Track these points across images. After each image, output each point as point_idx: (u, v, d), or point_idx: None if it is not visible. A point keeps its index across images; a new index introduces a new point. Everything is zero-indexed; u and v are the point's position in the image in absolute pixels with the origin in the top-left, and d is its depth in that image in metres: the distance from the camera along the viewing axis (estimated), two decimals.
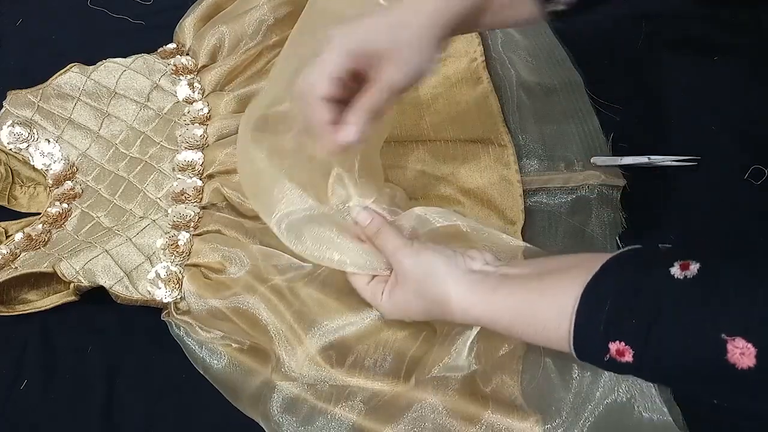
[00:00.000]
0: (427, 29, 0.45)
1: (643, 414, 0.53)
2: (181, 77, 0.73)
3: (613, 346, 0.39)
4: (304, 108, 0.47)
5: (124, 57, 0.74)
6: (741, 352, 0.34)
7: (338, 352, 0.56)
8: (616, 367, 0.39)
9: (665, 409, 0.53)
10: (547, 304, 0.42)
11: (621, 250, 0.43)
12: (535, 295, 0.43)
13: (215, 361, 0.59)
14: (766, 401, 0.35)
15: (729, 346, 0.34)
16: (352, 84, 0.47)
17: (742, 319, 0.34)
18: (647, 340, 0.37)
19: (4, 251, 0.63)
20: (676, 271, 0.38)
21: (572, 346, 0.41)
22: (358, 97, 0.46)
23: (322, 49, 0.46)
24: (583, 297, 0.41)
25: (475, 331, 0.50)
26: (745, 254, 0.38)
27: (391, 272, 0.51)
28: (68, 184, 0.68)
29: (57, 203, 0.67)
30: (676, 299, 0.37)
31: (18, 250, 0.64)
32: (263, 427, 0.56)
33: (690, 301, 0.36)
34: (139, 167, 0.69)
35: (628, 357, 0.38)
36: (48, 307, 0.62)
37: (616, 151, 0.68)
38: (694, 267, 0.37)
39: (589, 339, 0.40)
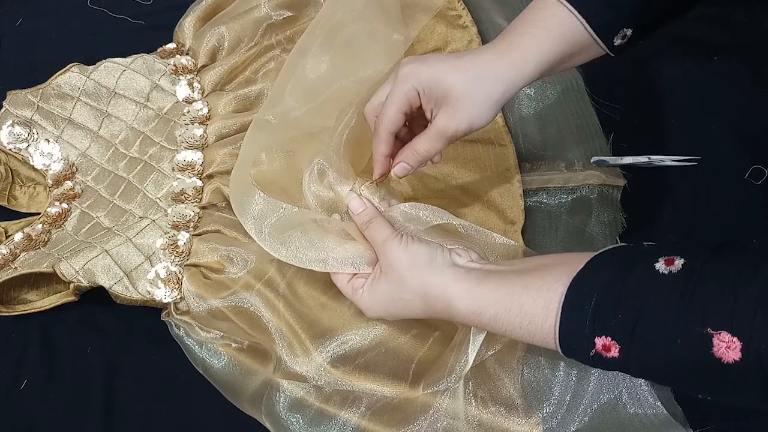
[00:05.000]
0: (498, 93, 0.48)
1: (638, 410, 0.53)
2: (180, 77, 0.73)
3: (599, 342, 0.39)
4: (374, 138, 0.52)
5: (124, 57, 0.74)
6: (727, 346, 0.34)
7: (345, 358, 0.56)
8: (602, 362, 0.40)
9: (659, 404, 0.53)
10: (533, 298, 0.42)
11: (606, 248, 0.43)
12: (519, 289, 0.43)
13: (215, 361, 0.59)
14: (751, 395, 0.36)
15: (715, 340, 0.35)
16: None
17: (727, 313, 0.35)
18: (633, 335, 0.38)
19: (4, 251, 0.63)
20: (660, 266, 0.38)
21: (558, 342, 0.41)
22: (416, 139, 0.51)
23: (391, 78, 0.50)
24: (568, 292, 0.41)
25: (480, 337, 0.50)
26: (730, 250, 0.38)
27: (372, 269, 0.51)
28: (68, 184, 0.68)
29: (57, 203, 0.67)
30: (661, 294, 0.37)
31: (18, 250, 0.64)
32: (269, 426, 0.56)
33: (675, 296, 0.37)
34: (138, 167, 0.69)
35: (614, 352, 0.38)
36: (48, 307, 0.62)
37: (616, 151, 0.68)
38: (678, 262, 0.38)
39: (575, 334, 0.40)
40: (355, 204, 0.53)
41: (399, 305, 0.49)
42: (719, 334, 0.34)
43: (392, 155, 0.53)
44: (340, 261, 0.52)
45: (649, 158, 0.65)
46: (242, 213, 0.57)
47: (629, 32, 0.49)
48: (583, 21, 0.48)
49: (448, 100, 0.48)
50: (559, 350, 0.42)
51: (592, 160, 0.66)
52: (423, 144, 0.51)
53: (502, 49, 0.49)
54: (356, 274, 0.52)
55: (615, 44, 0.50)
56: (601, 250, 0.43)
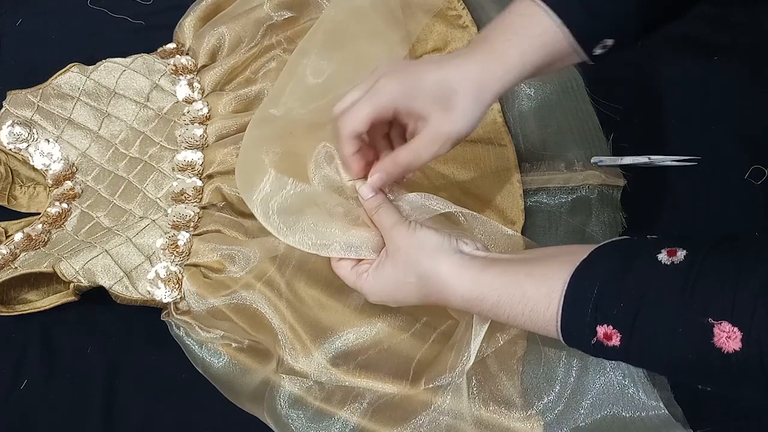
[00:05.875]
0: (475, 99, 0.47)
1: (639, 411, 0.53)
2: (180, 77, 0.73)
3: (601, 330, 0.39)
4: (338, 140, 0.51)
5: (124, 57, 0.74)
6: (727, 336, 0.34)
7: (346, 357, 0.56)
8: (603, 351, 0.40)
9: (660, 404, 0.53)
10: (536, 285, 0.42)
11: (609, 239, 0.43)
12: (523, 276, 0.44)
13: (215, 361, 0.59)
14: (751, 387, 0.36)
15: (715, 330, 0.35)
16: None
17: (728, 304, 0.35)
18: (635, 324, 0.38)
19: (4, 251, 0.63)
20: (663, 257, 0.38)
21: (560, 329, 0.41)
22: (396, 152, 0.50)
23: (367, 82, 0.49)
24: (571, 280, 0.41)
25: (482, 332, 0.50)
26: (731, 243, 0.38)
27: (377, 256, 0.51)
28: (68, 184, 0.68)
29: (57, 203, 0.67)
30: (663, 284, 0.38)
31: (18, 250, 0.64)
32: (270, 423, 0.56)
33: (677, 286, 0.37)
34: (138, 167, 0.69)
35: (616, 341, 0.39)
36: (48, 307, 0.62)
37: (616, 151, 0.68)
38: (680, 253, 0.38)
39: (577, 322, 0.40)
40: (365, 190, 0.52)
41: (404, 289, 0.49)
42: (720, 323, 0.35)
43: (362, 155, 0.51)
44: (346, 246, 0.52)
45: (649, 158, 0.65)
46: (249, 196, 0.56)
47: (610, 42, 0.49)
48: (568, 32, 0.47)
49: (430, 117, 0.48)
50: (561, 338, 0.42)
51: (592, 160, 0.66)
52: (403, 157, 0.50)
53: (485, 57, 0.48)
54: (361, 260, 0.52)
55: (594, 54, 0.49)
56: (604, 242, 0.43)
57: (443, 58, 0.49)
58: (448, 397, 0.54)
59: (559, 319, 0.41)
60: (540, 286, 0.42)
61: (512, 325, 0.46)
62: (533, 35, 0.48)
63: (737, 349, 0.34)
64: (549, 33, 0.48)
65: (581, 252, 0.42)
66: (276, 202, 0.54)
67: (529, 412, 0.53)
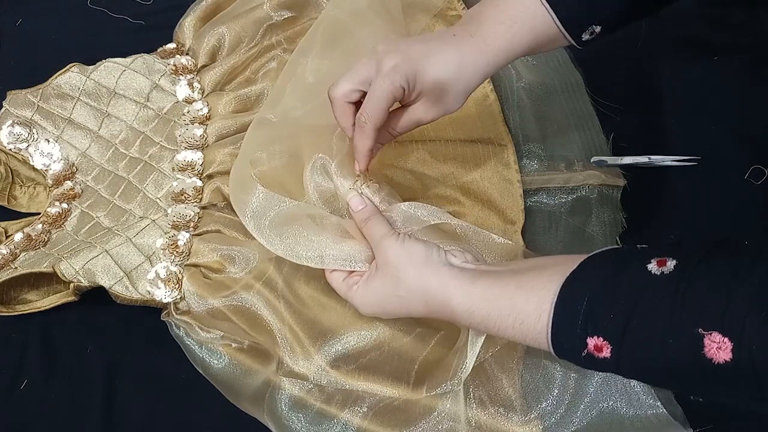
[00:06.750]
0: (473, 86, 0.51)
1: (638, 411, 0.53)
2: (180, 77, 0.73)
3: (591, 342, 0.39)
4: (358, 133, 0.52)
5: (124, 57, 0.74)
6: (718, 347, 0.34)
7: (346, 359, 0.56)
8: (593, 363, 0.40)
9: (658, 404, 0.53)
10: (525, 297, 0.42)
11: (599, 250, 0.43)
12: (513, 288, 0.43)
13: (215, 361, 0.59)
14: (743, 396, 0.36)
15: (706, 341, 0.35)
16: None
17: (718, 314, 0.35)
18: (625, 335, 0.38)
19: (4, 251, 0.63)
20: (653, 267, 0.38)
21: (550, 342, 0.41)
22: (390, 118, 0.52)
23: (363, 58, 0.51)
24: (561, 292, 0.41)
25: (480, 339, 0.50)
26: (724, 250, 0.38)
27: (369, 267, 0.51)
28: (68, 184, 0.68)
29: (57, 203, 0.67)
30: (653, 294, 0.37)
31: (18, 250, 0.64)
32: (270, 425, 0.56)
33: (667, 296, 0.37)
34: (138, 167, 0.69)
35: (606, 352, 0.38)
36: (48, 307, 0.62)
37: (616, 151, 0.68)
38: (670, 263, 0.38)
39: (567, 334, 0.40)
40: (356, 202, 0.53)
41: (394, 302, 0.49)
42: (710, 334, 0.34)
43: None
44: (337, 258, 0.52)
45: (649, 158, 0.65)
46: (241, 209, 0.57)
47: (598, 29, 0.50)
48: (555, 17, 0.49)
49: (431, 92, 0.50)
50: (552, 350, 0.42)
51: (592, 160, 0.66)
52: (399, 127, 0.53)
53: (479, 41, 0.50)
54: (352, 272, 0.52)
55: (583, 39, 0.51)
56: (594, 252, 0.43)
57: (440, 38, 0.51)
58: (448, 403, 0.54)
59: (549, 331, 0.41)
60: (530, 298, 0.42)
61: (503, 338, 0.46)
62: (523, 19, 0.50)
63: (728, 359, 0.34)
64: (538, 17, 0.50)
65: (571, 263, 0.42)
66: (268, 218, 0.54)
67: (528, 417, 0.53)
